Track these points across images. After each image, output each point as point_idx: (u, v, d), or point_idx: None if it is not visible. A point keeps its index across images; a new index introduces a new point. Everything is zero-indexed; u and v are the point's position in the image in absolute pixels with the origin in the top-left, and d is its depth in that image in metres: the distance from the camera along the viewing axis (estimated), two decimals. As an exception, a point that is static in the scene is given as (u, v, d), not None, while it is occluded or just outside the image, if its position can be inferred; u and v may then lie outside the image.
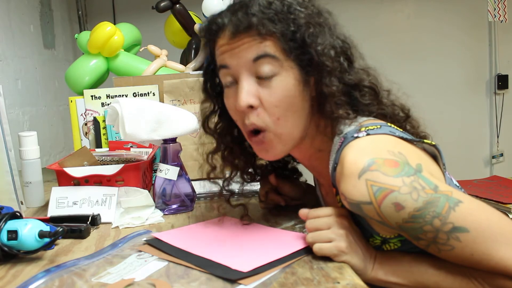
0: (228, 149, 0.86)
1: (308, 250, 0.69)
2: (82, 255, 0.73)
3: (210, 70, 0.82)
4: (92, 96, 1.40)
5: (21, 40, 2.14)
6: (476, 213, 0.62)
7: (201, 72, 1.43)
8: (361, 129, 0.70)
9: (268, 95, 0.72)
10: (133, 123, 0.92)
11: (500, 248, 0.60)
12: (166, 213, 0.96)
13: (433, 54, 2.84)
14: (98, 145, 1.39)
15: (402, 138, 0.70)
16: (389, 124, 0.74)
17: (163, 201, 0.97)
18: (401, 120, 0.79)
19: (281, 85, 0.71)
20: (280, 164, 0.96)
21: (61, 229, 0.70)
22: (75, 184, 1.00)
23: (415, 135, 0.79)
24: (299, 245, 0.71)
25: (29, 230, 0.70)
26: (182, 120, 0.97)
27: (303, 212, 0.71)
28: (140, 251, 0.74)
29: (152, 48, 1.54)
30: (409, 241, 0.67)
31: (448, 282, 0.65)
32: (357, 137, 0.68)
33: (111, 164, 1.13)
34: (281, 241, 0.74)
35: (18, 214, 0.75)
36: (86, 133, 1.41)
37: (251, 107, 0.72)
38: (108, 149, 1.28)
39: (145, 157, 1.16)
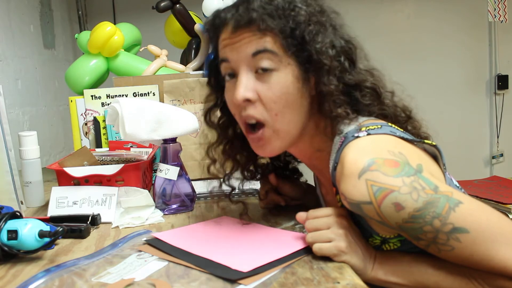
0: (229, 143, 0.87)
1: (308, 250, 0.69)
2: (82, 255, 0.73)
3: (215, 65, 0.82)
4: (92, 96, 1.40)
5: (21, 40, 2.14)
6: (476, 214, 0.62)
7: (201, 72, 1.45)
8: (361, 128, 0.70)
9: (266, 90, 0.72)
10: (133, 123, 0.92)
11: (500, 248, 0.60)
12: (166, 213, 0.96)
13: (433, 54, 2.84)
14: (98, 145, 1.39)
15: (402, 138, 0.70)
16: (390, 124, 0.74)
17: (163, 201, 0.97)
18: (403, 121, 0.79)
19: (280, 81, 0.72)
20: (281, 164, 0.96)
21: (61, 229, 0.70)
22: (75, 184, 1.00)
23: (416, 136, 0.79)
24: (299, 245, 0.71)
25: (29, 230, 0.70)
26: (182, 120, 0.97)
27: (300, 215, 0.72)
28: (140, 251, 0.74)
29: (152, 48, 1.54)
30: (409, 241, 0.67)
31: (448, 282, 0.65)
32: (357, 136, 0.68)
33: (111, 164, 1.13)
34: (281, 241, 0.74)
35: (18, 214, 0.75)
36: (86, 133, 1.41)
37: (248, 100, 0.73)
38: (108, 149, 1.28)
39: (145, 157, 1.16)
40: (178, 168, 0.96)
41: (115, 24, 1.48)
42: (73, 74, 1.48)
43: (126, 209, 0.92)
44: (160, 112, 0.95)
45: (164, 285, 0.60)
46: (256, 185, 0.99)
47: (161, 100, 1.36)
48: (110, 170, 1.00)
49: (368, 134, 0.69)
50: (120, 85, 1.41)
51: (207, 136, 0.89)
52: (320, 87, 0.72)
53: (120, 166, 1.00)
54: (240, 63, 0.73)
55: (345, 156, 0.66)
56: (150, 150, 1.24)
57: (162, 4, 1.51)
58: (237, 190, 0.91)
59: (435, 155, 0.73)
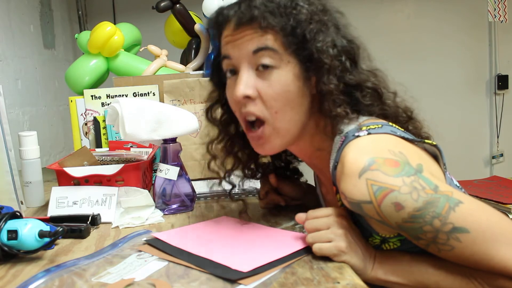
0: (230, 141, 0.87)
1: (308, 250, 0.69)
2: (82, 255, 0.73)
3: (217, 62, 0.82)
4: (92, 96, 1.40)
5: (21, 40, 2.14)
6: (477, 214, 0.62)
7: (201, 72, 1.45)
8: (362, 128, 0.70)
9: (266, 87, 0.72)
10: (133, 123, 0.92)
11: (500, 248, 0.60)
12: (166, 213, 0.96)
13: (433, 54, 2.84)
14: (98, 145, 1.39)
15: (403, 137, 0.70)
16: (390, 123, 0.74)
17: (163, 201, 0.97)
18: (403, 121, 0.79)
19: (280, 78, 0.72)
20: (282, 164, 0.96)
21: (61, 229, 0.70)
22: (75, 184, 1.00)
23: (417, 136, 0.79)
24: (299, 245, 0.71)
25: (29, 230, 0.70)
26: (182, 120, 0.97)
27: (300, 216, 0.72)
28: (140, 251, 0.74)
29: (152, 48, 1.54)
30: (409, 240, 0.67)
31: (448, 282, 0.65)
32: (358, 136, 0.69)
33: (111, 164, 1.13)
34: (281, 241, 0.74)
35: (18, 214, 0.75)
36: (86, 133, 1.41)
37: (248, 97, 0.73)
38: (108, 149, 1.28)
39: (145, 157, 1.16)
40: (178, 168, 0.96)
41: (115, 24, 1.48)
42: (73, 74, 1.48)
43: (126, 209, 0.92)
44: (160, 112, 0.95)
45: (164, 285, 0.60)
46: (256, 183, 0.99)
47: (161, 100, 1.36)
48: (110, 170, 1.00)
49: (369, 133, 0.69)
50: (120, 85, 1.41)
51: (209, 133, 0.89)
52: (320, 86, 0.72)
53: (120, 166, 1.00)
54: (241, 60, 0.74)
55: (346, 155, 0.66)
56: (150, 150, 1.24)
57: (162, 4, 1.51)
58: (237, 189, 0.91)
59: (436, 155, 0.73)
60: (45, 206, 1.04)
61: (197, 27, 1.52)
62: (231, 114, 0.82)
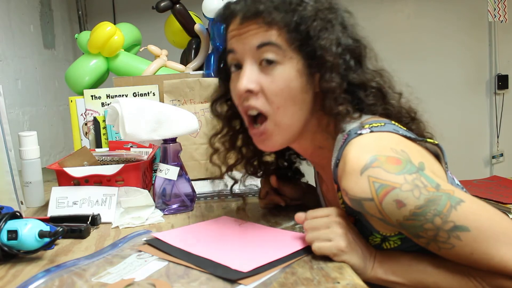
0: (235, 135, 0.87)
1: (308, 250, 0.69)
2: (82, 255, 0.73)
3: (224, 56, 0.82)
4: (92, 96, 1.40)
5: (21, 40, 2.14)
6: (478, 213, 0.62)
7: (201, 72, 1.45)
8: (364, 126, 0.70)
9: (269, 82, 0.72)
10: (133, 123, 0.92)
11: (501, 248, 0.60)
12: (166, 213, 0.96)
13: (433, 54, 2.84)
14: (98, 145, 1.39)
15: (405, 136, 0.70)
16: (393, 122, 0.74)
17: (163, 201, 0.97)
18: (406, 121, 0.80)
19: (283, 74, 0.72)
20: (285, 164, 0.96)
21: (61, 229, 0.70)
22: (75, 184, 1.00)
23: (420, 136, 0.79)
24: (299, 245, 0.71)
25: (29, 230, 0.70)
26: (182, 120, 0.97)
27: (299, 216, 0.72)
28: (140, 251, 0.74)
29: (152, 48, 1.54)
30: (409, 239, 0.67)
31: (447, 281, 0.65)
32: (360, 134, 0.69)
33: (111, 164, 1.13)
34: (281, 241, 0.74)
35: (18, 214, 0.75)
36: (86, 133, 1.41)
37: (250, 92, 0.73)
38: (108, 149, 1.28)
39: (145, 157, 1.16)
40: (178, 168, 0.96)
41: (115, 24, 1.48)
42: (73, 74, 1.48)
43: (126, 209, 0.92)
44: (160, 112, 0.95)
45: (164, 285, 0.60)
46: (257, 181, 0.99)
47: (161, 100, 1.37)
48: (110, 170, 1.00)
49: (371, 131, 0.69)
50: (120, 85, 1.41)
51: (214, 127, 0.89)
52: (322, 83, 0.72)
53: (120, 166, 1.00)
54: (245, 55, 0.74)
55: (348, 153, 0.66)
56: (150, 150, 1.24)
57: (162, 4, 1.51)
58: (239, 186, 0.91)
59: (437, 154, 0.73)
60: (45, 206, 1.04)
61: (197, 27, 1.52)
62: (236, 109, 0.82)
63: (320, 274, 0.61)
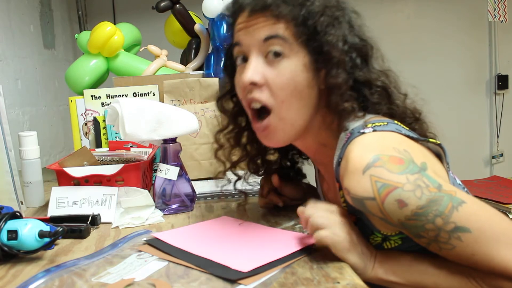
0: (240, 132, 0.87)
1: (308, 250, 0.69)
2: (82, 255, 0.73)
3: (231, 52, 0.82)
4: (92, 96, 1.40)
5: (21, 40, 2.14)
6: (479, 214, 0.62)
7: (201, 72, 1.45)
8: (367, 125, 0.70)
9: (275, 76, 0.72)
10: (133, 123, 0.92)
11: (501, 249, 0.61)
12: (166, 213, 0.96)
13: (433, 54, 2.84)
14: (98, 145, 1.39)
15: (408, 136, 0.70)
16: (396, 122, 0.74)
17: (163, 201, 0.97)
18: (410, 121, 0.80)
19: (289, 68, 0.72)
20: (288, 164, 0.96)
21: (61, 229, 0.70)
22: (75, 184, 1.00)
23: (422, 136, 0.79)
24: (299, 245, 0.71)
25: (29, 230, 0.70)
26: (182, 120, 0.97)
27: (301, 208, 0.71)
28: (140, 251, 0.74)
29: (152, 48, 1.54)
30: (410, 239, 0.67)
31: (448, 282, 0.65)
32: (363, 133, 0.69)
33: (111, 164, 1.13)
34: (281, 241, 0.74)
35: (18, 214, 0.75)
36: (86, 133, 1.41)
37: (255, 84, 0.73)
38: (108, 149, 1.28)
39: (145, 157, 1.16)
40: (178, 168, 0.96)
41: (115, 24, 1.48)
42: (73, 74, 1.48)
43: (126, 209, 0.92)
44: (160, 112, 0.95)
45: (164, 285, 0.60)
46: (259, 180, 0.99)
47: (161, 100, 1.37)
48: (110, 170, 1.00)
49: (374, 130, 0.69)
50: (120, 85, 1.41)
51: (220, 123, 0.89)
52: (329, 79, 0.72)
53: (120, 166, 1.00)
54: (252, 47, 0.74)
55: (350, 152, 0.66)
56: (150, 150, 1.24)
57: (162, 4, 1.51)
58: (241, 185, 0.92)
59: (439, 154, 0.73)
60: (45, 206, 1.04)
61: (197, 27, 1.52)
62: (242, 106, 0.82)
63: (320, 274, 0.61)
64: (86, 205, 0.94)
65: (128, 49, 1.61)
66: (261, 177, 0.96)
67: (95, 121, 1.39)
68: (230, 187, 0.92)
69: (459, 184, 0.78)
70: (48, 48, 2.45)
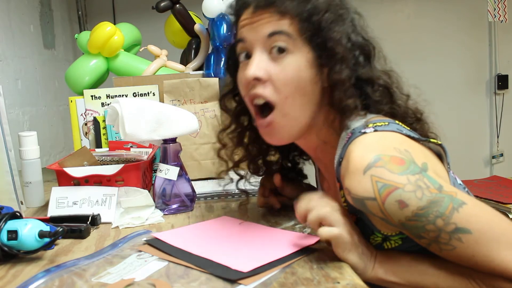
0: (242, 132, 0.87)
1: (308, 250, 0.69)
2: (82, 255, 0.73)
3: (233, 49, 0.82)
4: (92, 96, 1.40)
5: (21, 40, 2.14)
6: (480, 215, 0.62)
7: (201, 72, 1.45)
8: (368, 125, 0.70)
9: (279, 71, 0.73)
10: (133, 123, 0.92)
11: (502, 250, 0.61)
12: (166, 213, 0.96)
13: (433, 54, 2.84)
14: (98, 145, 1.39)
15: (409, 136, 0.70)
16: (397, 122, 0.74)
17: (163, 201, 0.97)
18: (411, 121, 0.80)
19: (293, 64, 0.72)
20: (289, 165, 0.96)
21: (61, 229, 0.70)
22: (75, 184, 1.00)
23: (423, 136, 0.79)
24: (299, 245, 0.71)
25: (29, 230, 0.70)
26: (182, 120, 0.97)
27: (305, 200, 0.70)
28: (140, 251, 0.74)
29: (152, 48, 1.54)
30: (410, 239, 0.67)
31: (448, 283, 0.65)
32: (364, 132, 0.69)
33: (111, 164, 1.13)
34: (281, 241, 0.74)
35: (18, 214, 0.75)
36: (86, 133, 1.41)
37: (258, 80, 0.73)
38: (108, 149, 1.28)
39: (145, 157, 1.16)
40: (178, 168, 0.96)
41: (115, 24, 1.48)
42: (73, 74, 1.48)
43: (126, 209, 0.92)
44: (160, 112, 0.95)
45: (164, 285, 0.60)
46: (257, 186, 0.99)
47: (161, 100, 1.37)
48: (110, 170, 1.00)
49: (375, 130, 0.69)
50: (120, 85, 1.41)
51: (223, 122, 0.89)
52: (332, 75, 0.72)
53: (120, 166, 1.00)
54: (256, 43, 0.74)
55: (351, 152, 0.66)
56: (150, 150, 1.24)
57: (162, 4, 1.51)
58: (243, 184, 0.92)
59: (440, 154, 0.73)
60: (45, 206, 1.04)
61: (197, 27, 1.52)
62: (245, 104, 0.82)
63: (320, 274, 0.61)
64: (86, 205, 0.94)
65: (128, 49, 1.60)
66: (261, 177, 0.96)
67: (95, 121, 1.39)
68: (231, 186, 0.92)
69: (460, 184, 0.78)
70: (48, 48, 2.45)
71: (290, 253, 0.68)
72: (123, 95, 1.39)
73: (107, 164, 1.12)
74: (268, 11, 0.73)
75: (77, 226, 0.84)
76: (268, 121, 0.75)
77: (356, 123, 0.73)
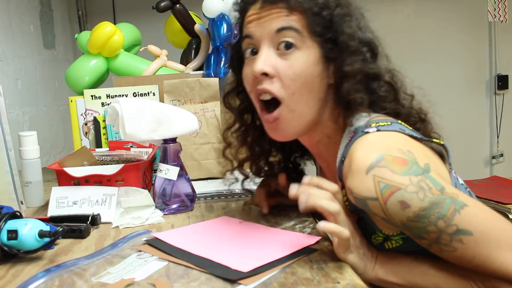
0: (246, 130, 0.87)
1: (308, 250, 0.69)
2: (82, 255, 0.73)
3: (238, 46, 0.82)
4: (92, 96, 1.40)
5: (21, 40, 2.14)
6: (481, 217, 0.62)
7: (201, 72, 1.45)
8: (371, 124, 0.70)
9: (286, 67, 0.72)
10: (133, 123, 0.92)
11: (502, 252, 0.61)
12: (166, 213, 0.96)
13: (433, 54, 2.84)
14: (98, 145, 1.39)
15: (411, 136, 0.70)
16: (399, 121, 0.74)
17: (163, 201, 0.97)
18: (415, 122, 0.80)
19: (301, 60, 0.72)
20: (291, 165, 0.96)
21: (61, 229, 0.70)
22: (75, 184, 1.00)
23: (426, 136, 0.79)
24: (299, 245, 0.71)
25: (29, 230, 0.70)
26: (182, 120, 0.97)
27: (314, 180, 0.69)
28: (140, 251, 0.74)
29: (152, 48, 1.54)
30: (411, 239, 0.67)
31: (448, 284, 0.65)
32: (367, 132, 0.69)
33: (111, 164, 1.13)
34: (281, 241, 0.74)
35: (18, 214, 0.75)
36: (86, 133, 1.41)
37: (266, 75, 0.73)
38: (108, 149, 1.28)
39: (145, 157, 1.16)
40: (178, 168, 0.96)
41: (115, 24, 1.48)
42: (73, 74, 1.48)
43: (126, 209, 0.92)
44: (160, 112, 0.95)
45: (164, 285, 0.60)
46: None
47: (161, 100, 1.37)
48: (110, 170, 1.00)
49: (378, 130, 0.69)
50: (120, 85, 1.41)
51: (227, 121, 0.89)
52: (344, 69, 0.72)
53: (120, 166, 1.00)
54: (263, 39, 0.74)
55: (354, 152, 0.66)
56: (150, 150, 1.24)
57: (162, 4, 1.51)
58: (247, 184, 0.92)
59: (442, 154, 0.73)
60: (45, 206, 1.04)
61: (197, 27, 1.52)
62: (248, 102, 0.82)
63: (320, 274, 0.61)
64: (86, 205, 0.94)
65: (128, 49, 1.60)
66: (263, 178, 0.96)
67: (95, 121, 1.39)
68: (232, 186, 0.92)
69: (462, 184, 0.78)
70: (48, 48, 2.45)
71: (290, 253, 0.68)
72: (123, 95, 1.39)
73: (107, 164, 1.12)
74: (277, 7, 0.73)
75: (77, 226, 0.84)
76: (275, 116, 0.75)
77: (359, 122, 0.73)
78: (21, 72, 2.11)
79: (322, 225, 0.63)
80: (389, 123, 0.71)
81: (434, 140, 0.72)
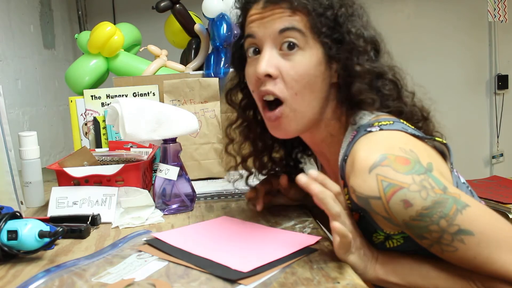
0: (248, 126, 0.88)
1: (308, 250, 0.69)
2: (82, 255, 0.73)
3: (239, 45, 0.82)
4: (92, 96, 1.40)
5: (21, 40, 2.14)
6: (482, 218, 0.62)
7: (201, 72, 1.45)
8: (374, 123, 0.70)
9: (289, 68, 0.72)
10: (133, 123, 0.92)
11: (503, 253, 0.61)
12: (166, 213, 0.96)
13: (433, 54, 2.84)
14: (98, 145, 1.39)
15: (414, 135, 0.70)
16: (402, 120, 0.74)
17: (163, 201, 0.97)
18: (418, 121, 0.80)
19: (304, 61, 0.72)
20: (292, 164, 0.96)
21: (61, 229, 0.70)
22: (75, 184, 1.00)
23: (428, 135, 0.79)
24: (299, 245, 0.71)
25: (29, 230, 0.70)
26: (182, 120, 0.97)
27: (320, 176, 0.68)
28: (140, 251, 0.74)
29: (152, 48, 1.54)
30: (412, 238, 0.67)
31: (448, 284, 0.65)
32: (370, 131, 0.69)
33: (111, 164, 1.13)
34: (281, 241, 0.74)
35: (18, 214, 0.75)
36: (86, 133, 1.41)
37: (269, 76, 0.73)
38: (108, 149, 1.28)
39: (145, 157, 1.16)
40: (178, 168, 0.96)
41: (115, 24, 1.48)
42: (73, 74, 1.48)
43: (126, 209, 0.92)
44: (160, 112, 0.95)
45: (164, 285, 0.60)
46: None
47: (161, 100, 1.37)
48: (110, 170, 1.00)
49: (381, 129, 0.69)
50: (120, 85, 1.41)
51: (229, 118, 0.89)
52: (354, 68, 0.72)
53: (120, 166, 1.00)
54: (266, 39, 0.74)
55: (357, 151, 0.66)
56: (150, 150, 1.24)
57: (162, 4, 1.51)
58: (252, 180, 0.92)
59: (444, 153, 0.73)
60: (45, 206, 1.04)
61: (197, 27, 1.52)
62: (251, 99, 0.82)
63: (320, 274, 0.61)
64: (86, 205, 0.94)
65: (128, 49, 1.60)
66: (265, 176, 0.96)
67: (95, 121, 1.39)
68: (237, 184, 0.92)
69: (463, 183, 0.78)
70: (48, 48, 2.45)
71: (290, 253, 0.68)
72: (123, 95, 1.39)
73: (107, 164, 1.12)
74: (280, 7, 0.72)
75: (77, 226, 0.84)
76: (277, 114, 0.75)
77: (362, 120, 0.73)
78: (21, 72, 2.11)
79: (335, 225, 0.62)
80: (392, 122, 0.71)
81: (437, 138, 0.72)
